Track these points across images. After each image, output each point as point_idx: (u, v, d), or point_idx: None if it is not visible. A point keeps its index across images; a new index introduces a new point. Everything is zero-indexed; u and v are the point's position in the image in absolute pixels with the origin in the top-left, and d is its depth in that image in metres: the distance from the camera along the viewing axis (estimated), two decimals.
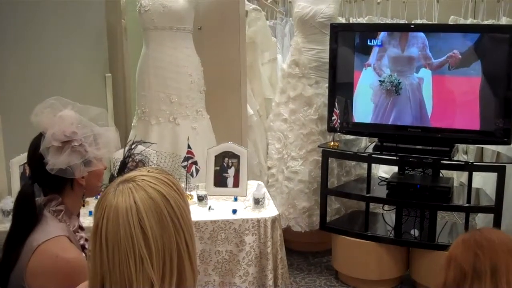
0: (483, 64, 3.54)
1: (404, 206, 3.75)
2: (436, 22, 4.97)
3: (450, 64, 3.62)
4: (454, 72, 3.63)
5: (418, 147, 3.75)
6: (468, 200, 3.60)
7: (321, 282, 3.98)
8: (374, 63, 3.82)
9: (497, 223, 3.47)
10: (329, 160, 3.92)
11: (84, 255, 1.80)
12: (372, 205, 4.04)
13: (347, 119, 3.93)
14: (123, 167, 1.99)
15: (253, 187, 3.16)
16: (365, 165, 4.01)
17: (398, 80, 3.74)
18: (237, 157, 3.21)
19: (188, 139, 3.17)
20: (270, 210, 2.97)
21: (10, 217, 1.90)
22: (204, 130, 3.70)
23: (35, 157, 1.83)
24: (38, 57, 3.16)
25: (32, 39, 3.11)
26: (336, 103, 3.81)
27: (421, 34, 3.68)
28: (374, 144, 3.95)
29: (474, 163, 3.66)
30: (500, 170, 3.45)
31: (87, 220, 2.61)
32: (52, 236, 1.75)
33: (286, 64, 4.28)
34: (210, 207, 2.99)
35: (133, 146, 2.08)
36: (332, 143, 3.90)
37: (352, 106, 3.92)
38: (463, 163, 3.74)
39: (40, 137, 1.84)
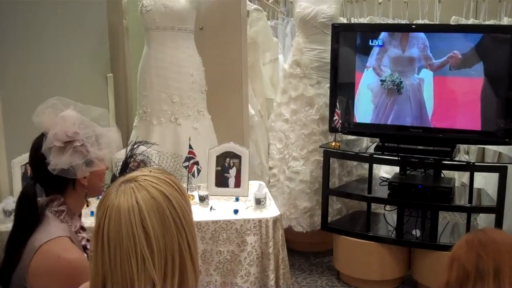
0: (485, 65, 3.53)
1: (405, 206, 3.75)
2: (437, 22, 4.96)
3: (451, 64, 3.62)
4: (455, 72, 3.62)
5: (420, 147, 3.74)
6: (470, 201, 3.60)
7: (323, 282, 3.98)
8: (373, 64, 3.82)
9: (498, 223, 3.46)
10: (330, 160, 3.92)
11: (85, 255, 1.81)
12: (373, 205, 4.04)
13: (348, 119, 3.92)
14: (125, 167, 1.99)
15: (254, 187, 3.15)
16: (366, 165, 4.01)
17: (400, 79, 3.73)
18: (238, 157, 3.21)
19: (189, 139, 3.17)
20: (271, 210, 2.96)
21: (12, 217, 1.91)
22: (205, 130, 3.70)
23: (37, 157, 1.84)
24: (40, 57, 3.16)
25: (33, 39, 3.11)
26: (337, 103, 3.81)
27: (422, 35, 3.68)
28: (375, 144, 3.95)
29: (476, 164, 3.65)
30: (501, 170, 3.45)
31: (88, 220, 2.61)
32: (53, 237, 1.75)
33: (288, 64, 4.28)
34: (211, 207, 2.99)
35: (135, 147, 2.08)
36: (333, 143, 3.90)
37: (354, 106, 3.92)
38: (464, 163, 3.74)
39: (42, 137, 1.85)
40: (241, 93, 3.97)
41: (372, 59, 3.82)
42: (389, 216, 4.04)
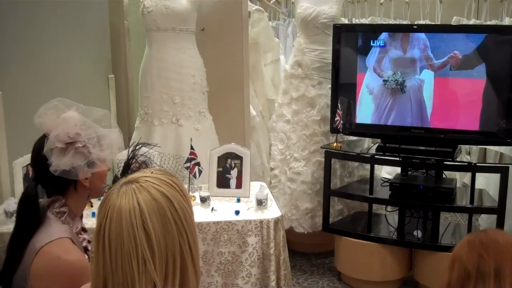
0: (487, 66, 3.53)
1: (407, 207, 3.75)
2: (439, 23, 4.96)
3: (451, 64, 3.62)
4: (456, 73, 3.62)
5: (421, 148, 3.74)
6: (471, 201, 3.59)
7: (324, 283, 3.98)
8: (374, 64, 3.82)
9: (500, 224, 3.46)
10: (332, 161, 3.92)
11: (86, 257, 1.81)
12: (375, 206, 4.04)
13: (350, 120, 3.92)
14: (127, 168, 1.99)
15: (256, 188, 3.15)
16: (368, 166, 4.01)
17: (403, 78, 3.73)
18: (240, 158, 3.21)
19: (191, 140, 3.17)
20: (273, 211, 2.96)
21: (14, 218, 1.91)
22: (207, 131, 3.70)
23: (39, 159, 1.84)
24: (41, 58, 3.17)
25: (34, 40, 3.11)
26: (339, 104, 3.81)
27: (422, 35, 3.68)
28: (377, 145, 3.95)
29: (477, 164, 3.65)
30: (503, 171, 3.44)
31: (90, 222, 2.61)
32: (55, 238, 1.75)
33: (289, 65, 4.28)
34: (213, 208, 2.99)
35: (137, 148, 2.08)
36: (335, 144, 3.90)
37: (355, 107, 3.91)
38: (466, 164, 3.74)
39: (43, 138, 1.85)
40: (243, 94, 3.97)
41: (372, 60, 3.82)
42: (390, 217, 4.04)
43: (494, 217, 3.57)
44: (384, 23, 5.09)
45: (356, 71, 3.89)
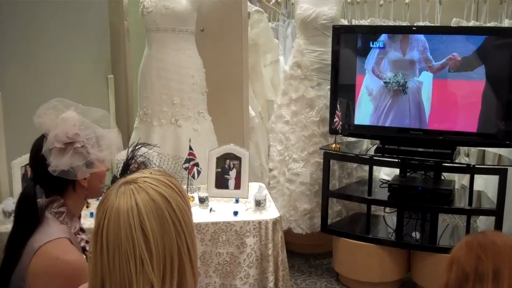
0: (486, 68, 3.54)
1: (405, 209, 3.75)
2: (438, 24, 4.96)
3: (450, 66, 3.62)
4: (455, 75, 3.63)
5: (420, 149, 3.75)
6: (470, 203, 3.60)
7: (322, 284, 3.98)
8: (373, 66, 3.83)
9: (498, 225, 3.47)
10: (330, 162, 3.92)
11: (84, 257, 1.81)
12: (373, 207, 4.04)
13: (348, 121, 3.93)
14: (126, 168, 1.99)
15: (254, 189, 3.15)
16: (366, 167, 4.01)
17: (404, 80, 3.73)
18: (238, 159, 3.21)
19: (190, 140, 3.17)
20: (271, 212, 2.96)
21: (12, 218, 1.91)
22: (205, 132, 3.70)
23: (37, 159, 1.84)
24: (40, 58, 3.17)
25: (34, 40, 3.11)
26: (338, 105, 3.81)
27: (422, 37, 3.68)
28: (375, 146, 3.95)
29: (476, 166, 3.65)
30: (501, 173, 3.45)
31: (88, 222, 2.61)
32: (53, 238, 1.75)
33: (288, 66, 4.28)
34: (211, 209, 2.99)
35: (136, 148, 2.08)
36: (333, 145, 3.90)
37: (354, 108, 3.92)
38: (464, 165, 3.74)
39: (42, 138, 1.85)
40: (242, 95, 3.97)
41: (371, 61, 3.83)
42: (389, 218, 4.04)
43: (492, 219, 3.57)
44: (384, 24, 5.09)
45: (355, 73, 3.90)
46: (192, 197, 3.08)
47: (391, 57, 3.77)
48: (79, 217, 1.96)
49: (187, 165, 3.08)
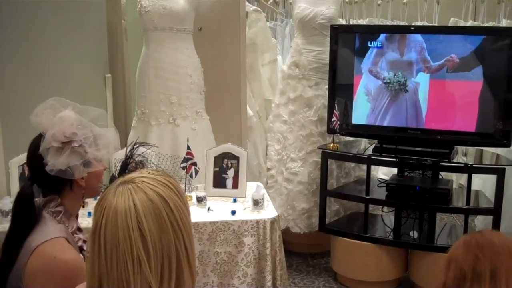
0: (484, 68, 3.54)
1: (403, 208, 3.76)
2: (436, 24, 4.97)
3: (448, 67, 3.62)
4: (453, 76, 3.63)
5: (418, 149, 3.75)
6: (467, 202, 3.60)
7: (320, 283, 3.98)
8: (370, 66, 3.83)
9: (496, 225, 3.47)
10: (328, 162, 3.92)
11: (82, 256, 1.80)
12: (371, 206, 4.04)
13: (346, 121, 3.93)
14: (124, 168, 1.99)
15: (252, 188, 3.15)
16: (364, 166, 4.01)
17: (404, 78, 3.74)
18: (236, 158, 3.21)
19: (187, 140, 3.17)
20: (269, 212, 2.97)
21: (9, 217, 1.90)
22: (203, 131, 3.70)
23: (35, 158, 1.83)
24: (38, 57, 3.16)
25: (32, 39, 3.11)
26: (335, 105, 3.81)
27: (419, 38, 3.68)
28: (373, 145, 3.95)
29: (474, 165, 3.66)
30: (499, 172, 3.45)
31: (85, 221, 2.61)
32: (50, 237, 1.75)
33: (286, 66, 4.28)
34: (209, 208, 2.99)
35: (135, 147, 2.07)
36: (331, 145, 3.90)
37: (352, 108, 3.92)
38: (462, 165, 3.74)
39: (39, 137, 1.84)
40: (240, 94, 3.97)
41: (369, 61, 3.83)
42: (386, 217, 4.04)
43: (490, 218, 3.58)
44: (382, 24, 5.10)
45: (353, 72, 3.90)
46: (190, 196, 3.08)
47: (389, 57, 3.77)
48: (77, 216, 1.96)
49: (185, 164, 3.08)
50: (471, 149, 4.73)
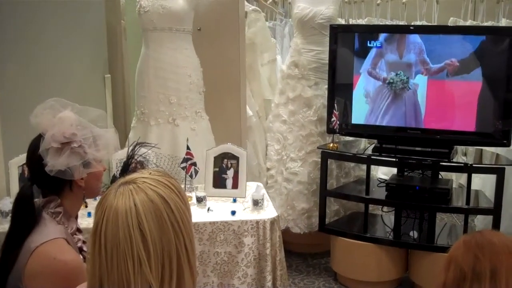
0: (484, 69, 3.54)
1: (403, 208, 3.76)
2: (435, 24, 4.97)
3: (448, 71, 3.62)
4: (453, 77, 3.63)
5: (417, 148, 3.75)
6: (467, 202, 3.60)
7: (320, 283, 3.98)
8: (369, 68, 3.82)
9: (496, 225, 3.47)
10: (328, 162, 3.92)
11: (81, 257, 1.80)
12: (371, 206, 4.04)
13: (346, 121, 3.92)
14: (126, 168, 1.99)
15: (252, 188, 3.15)
16: (364, 166, 4.01)
17: (407, 77, 3.73)
18: (236, 158, 3.20)
19: (187, 140, 3.17)
20: (269, 212, 2.96)
21: (9, 218, 1.90)
22: (203, 131, 3.70)
23: (34, 158, 1.83)
24: (38, 58, 3.16)
25: (32, 39, 3.11)
26: (335, 105, 3.81)
27: (418, 40, 3.68)
28: (373, 145, 3.95)
29: (473, 165, 3.66)
30: (499, 172, 3.45)
31: (85, 222, 2.61)
32: (50, 238, 1.75)
33: (286, 65, 4.28)
34: (209, 209, 2.99)
35: (136, 148, 2.07)
36: (331, 145, 3.90)
37: (351, 108, 3.92)
38: (462, 165, 3.74)
39: (39, 138, 1.84)
40: (239, 94, 3.97)
41: (368, 62, 3.82)
42: (386, 217, 4.04)
43: (490, 218, 3.57)
44: (381, 23, 5.10)
45: (353, 72, 3.89)
46: (190, 196, 3.08)
47: (388, 59, 3.77)
48: (76, 217, 1.96)
49: (184, 164, 3.08)
50: (471, 149, 4.73)
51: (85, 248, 1.89)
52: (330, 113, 3.89)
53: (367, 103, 3.87)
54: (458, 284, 1.50)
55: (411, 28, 3.89)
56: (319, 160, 3.95)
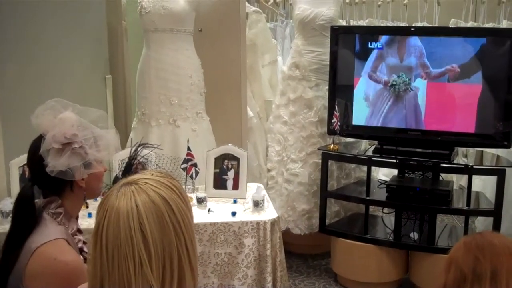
0: (484, 71, 3.54)
1: (403, 209, 3.75)
2: (436, 25, 4.97)
3: (449, 76, 3.62)
4: (453, 81, 3.64)
5: (418, 150, 3.75)
6: (468, 203, 3.60)
7: (320, 284, 3.98)
8: (369, 71, 3.82)
9: (496, 226, 3.47)
10: (329, 163, 3.92)
11: (82, 258, 1.81)
12: (371, 208, 4.03)
13: (347, 122, 3.93)
14: (128, 168, 1.99)
15: (252, 189, 3.15)
16: (364, 167, 4.01)
17: (408, 78, 3.73)
18: (236, 159, 3.20)
19: (188, 141, 3.17)
20: (269, 213, 2.96)
21: (9, 218, 1.90)
22: (204, 132, 3.70)
23: (35, 159, 1.83)
24: (39, 58, 3.16)
25: (32, 40, 3.11)
26: (336, 106, 3.81)
27: (419, 43, 3.68)
28: (374, 147, 3.95)
29: (474, 167, 3.66)
30: (499, 174, 3.45)
31: (86, 222, 2.61)
32: (50, 239, 1.75)
33: (286, 66, 4.28)
34: (209, 210, 2.99)
35: (139, 148, 2.07)
36: (332, 146, 3.90)
37: (352, 109, 3.92)
38: (462, 166, 3.74)
39: (40, 139, 1.84)
40: (240, 95, 3.97)
41: (369, 65, 3.82)
42: (387, 218, 4.04)
43: (490, 219, 3.57)
44: (382, 25, 5.10)
45: (354, 73, 3.89)
46: (191, 197, 3.08)
47: (389, 62, 3.77)
48: (77, 218, 1.96)
49: (185, 165, 3.08)
50: (472, 150, 4.73)
51: (85, 249, 1.90)
52: (330, 114, 3.89)
53: (367, 106, 3.87)
54: (459, 286, 1.50)
55: (412, 29, 3.89)
56: (320, 161, 3.95)
